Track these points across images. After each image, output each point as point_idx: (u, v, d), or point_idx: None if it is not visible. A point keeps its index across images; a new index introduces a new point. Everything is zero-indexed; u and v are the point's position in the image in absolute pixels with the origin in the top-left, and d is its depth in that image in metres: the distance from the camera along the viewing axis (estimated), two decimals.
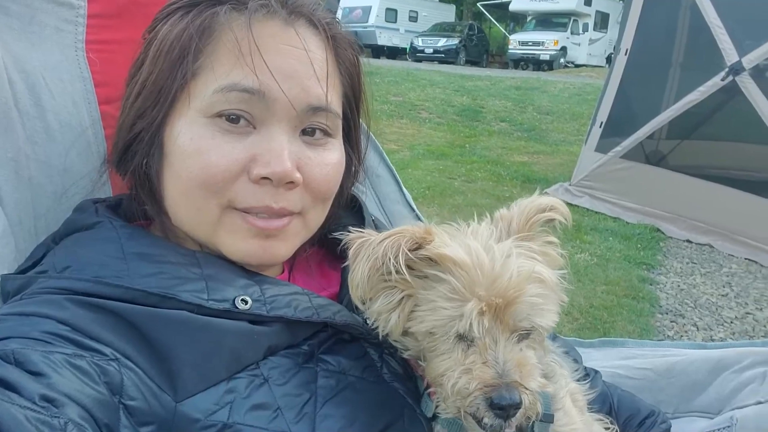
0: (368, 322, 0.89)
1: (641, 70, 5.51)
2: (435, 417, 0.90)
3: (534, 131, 8.91)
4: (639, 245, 4.65)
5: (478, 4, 26.59)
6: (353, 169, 1.03)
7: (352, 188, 1.07)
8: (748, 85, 4.23)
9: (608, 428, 0.95)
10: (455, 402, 0.79)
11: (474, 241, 0.81)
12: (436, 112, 9.66)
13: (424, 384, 0.90)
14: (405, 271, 0.79)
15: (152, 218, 0.92)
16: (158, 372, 0.73)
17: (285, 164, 0.82)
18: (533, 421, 0.87)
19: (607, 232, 4.92)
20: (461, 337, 0.79)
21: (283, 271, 1.00)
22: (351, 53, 0.95)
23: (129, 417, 0.68)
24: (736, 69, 4.25)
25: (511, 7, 23.17)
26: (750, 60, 4.20)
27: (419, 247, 0.80)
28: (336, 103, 0.91)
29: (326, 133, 0.90)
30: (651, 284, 3.96)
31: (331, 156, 0.91)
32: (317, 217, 0.94)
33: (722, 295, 3.87)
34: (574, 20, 22.70)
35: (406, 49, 23.41)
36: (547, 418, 0.88)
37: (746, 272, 4.26)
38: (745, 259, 4.46)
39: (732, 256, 4.53)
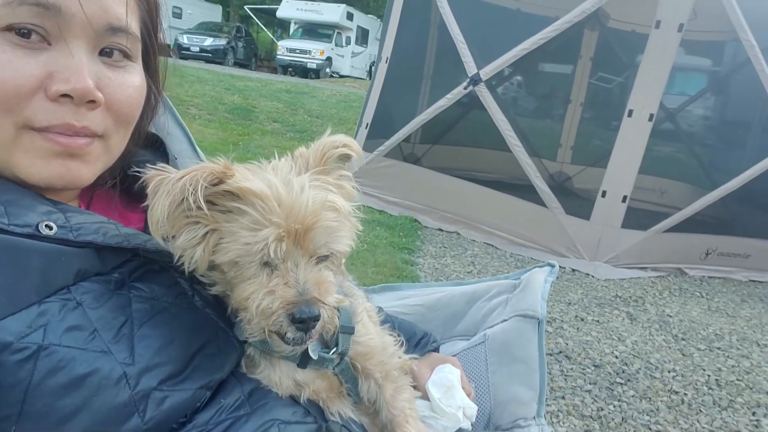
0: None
1: (399, 79, 6.11)
2: (247, 339, 0.94)
3: (306, 132, 9.19)
4: (401, 233, 5.14)
5: (245, 7, 26.38)
6: (153, 100, 1.01)
7: (151, 123, 1.05)
8: (484, 93, 4.98)
9: (396, 341, 1.09)
10: (260, 323, 0.84)
11: (273, 176, 0.86)
12: (206, 108, 9.38)
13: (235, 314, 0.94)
14: (205, 206, 0.80)
15: None
16: None
17: (86, 81, 0.79)
18: (336, 333, 0.97)
19: (375, 222, 5.33)
20: (265, 264, 0.84)
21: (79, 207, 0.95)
22: None
23: None
24: (475, 80, 4.96)
25: (278, 14, 23.48)
26: (486, 72, 4.95)
27: (220, 182, 0.82)
28: (135, 27, 0.89)
29: (126, 56, 0.87)
30: (412, 265, 4.43)
31: (132, 78, 0.89)
32: (119, 142, 0.91)
33: (468, 272, 4.49)
34: (338, 33, 23.87)
35: (170, 45, 22.16)
36: (349, 330, 0.99)
37: (485, 254, 5.00)
38: (485, 243, 5.23)
39: (474, 241, 5.28)
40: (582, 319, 3.86)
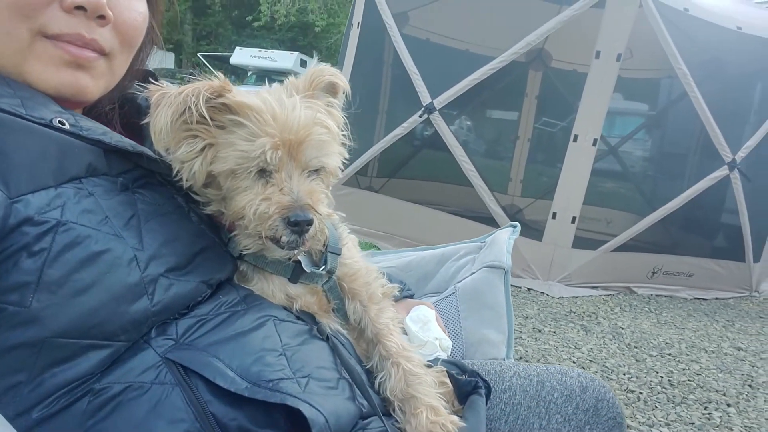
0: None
1: (355, 115, 6.27)
2: (241, 257, 1.00)
3: None
4: None
5: (198, 55, 26.56)
6: (151, 36, 1.08)
7: (148, 58, 1.12)
8: (439, 121, 5.18)
9: (374, 275, 1.15)
10: (257, 227, 0.90)
11: (267, 95, 0.94)
12: None
13: (228, 232, 1.00)
14: (207, 116, 0.87)
15: None
16: None
17: None
18: (325, 254, 1.03)
19: None
20: (261, 173, 0.90)
21: None
22: None
23: None
24: (430, 108, 5.17)
25: (232, 61, 23.71)
26: (440, 101, 5.17)
27: (219, 96, 0.89)
28: None
29: None
30: None
31: (139, 5, 0.97)
32: (121, 64, 0.98)
33: None
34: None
35: None
36: (336, 251, 1.05)
37: None
38: None
39: None
40: (539, 331, 3.97)
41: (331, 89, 1.04)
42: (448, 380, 1.06)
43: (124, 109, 1.07)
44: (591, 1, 4.68)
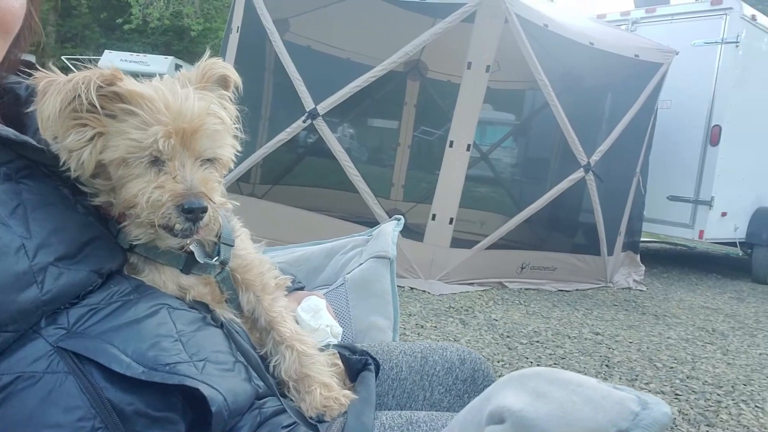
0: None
1: (240, 115, 6.16)
2: (131, 249, 0.99)
3: None
4: None
5: (63, 58, 24.64)
6: (29, 28, 1.04)
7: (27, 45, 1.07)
8: (323, 127, 5.25)
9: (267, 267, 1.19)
10: (149, 215, 0.89)
11: (160, 84, 0.94)
12: None
13: (117, 223, 0.98)
14: (98, 104, 0.86)
15: None
16: None
17: None
18: (219, 245, 1.05)
19: None
20: (153, 162, 0.90)
21: None
22: None
23: None
24: (313, 114, 5.23)
25: (100, 65, 22.19)
26: (323, 107, 5.24)
27: (110, 84, 0.88)
28: None
29: None
30: None
31: None
32: None
33: None
34: None
35: None
36: (229, 242, 1.07)
37: None
38: None
39: None
40: (422, 327, 4.15)
41: (223, 82, 1.06)
42: (339, 361, 1.13)
43: (3, 100, 1.02)
44: (462, 15, 4.99)
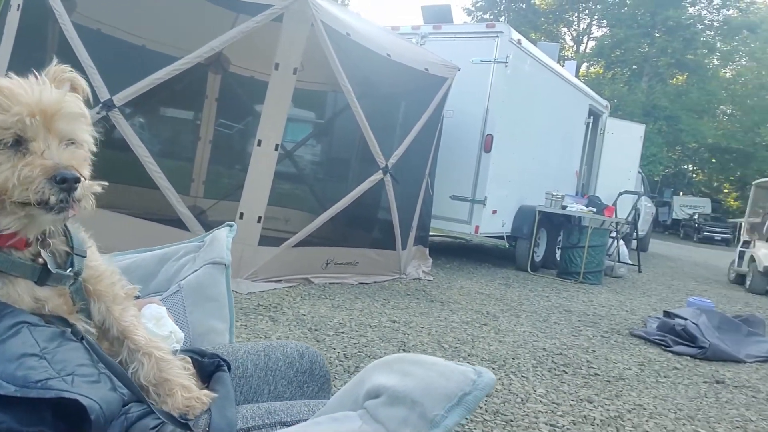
0: None
1: None
2: None
3: None
4: None
5: None
6: None
7: None
8: (119, 119, 4.93)
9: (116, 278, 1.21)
10: (22, 193, 0.90)
11: (13, 79, 0.95)
12: None
13: None
14: None
15: None
16: None
17: None
18: (71, 255, 1.06)
19: None
20: (17, 144, 0.90)
21: None
22: None
23: None
24: (109, 105, 4.88)
25: None
26: (120, 98, 4.92)
27: None
28: None
29: None
30: None
31: None
32: None
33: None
34: None
35: None
36: (82, 253, 1.09)
37: None
38: None
39: None
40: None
41: (72, 89, 1.07)
42: (191, 365, 1.20)
43: None
44: (271, 15, 5.07)
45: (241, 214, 5.22)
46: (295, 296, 5.26)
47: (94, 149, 1.05)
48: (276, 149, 5.27)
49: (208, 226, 6.02)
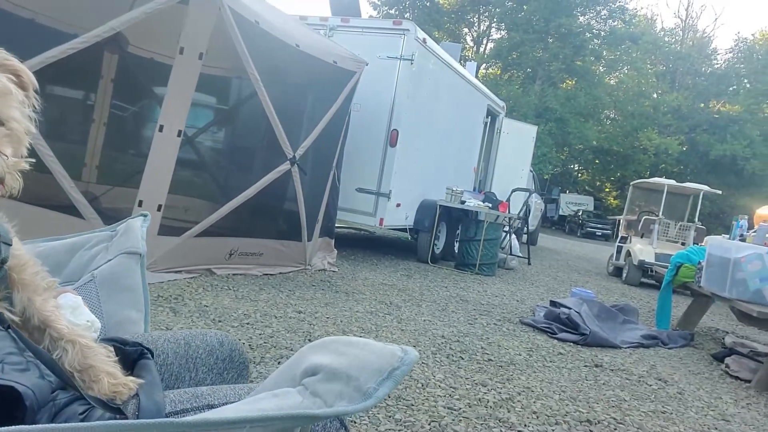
0: None
1: None
2: None
3: None
4: None
5: None
6: None
7: None
8: None
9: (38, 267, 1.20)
10: None
11: None
12: None
13: None
14: None
15: None
16: None
17: None
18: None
19: None
20: None
21: None
22: None
23: None
24: None
25: None
26: None
27: None
28: None
29: None
30: None
31: None
32: None
33: None
34: None
35: None
36: (8, 241, 1.08)
37: None
38: None
39: None
40: None
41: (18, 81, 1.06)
42: (113, 354, 1.21)
43: None
44: None
45: (140, 202, 5.03)
46: (197, 287, 5.16)
47: (32, 129, 1.04)
48: (179, 135, 5.12)
49: (103, 213, 5.75)
